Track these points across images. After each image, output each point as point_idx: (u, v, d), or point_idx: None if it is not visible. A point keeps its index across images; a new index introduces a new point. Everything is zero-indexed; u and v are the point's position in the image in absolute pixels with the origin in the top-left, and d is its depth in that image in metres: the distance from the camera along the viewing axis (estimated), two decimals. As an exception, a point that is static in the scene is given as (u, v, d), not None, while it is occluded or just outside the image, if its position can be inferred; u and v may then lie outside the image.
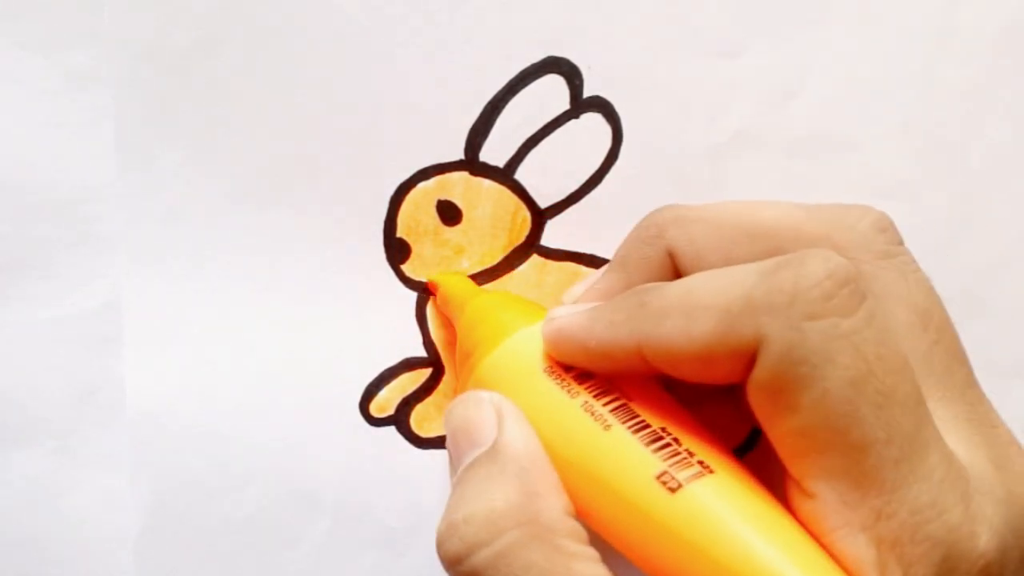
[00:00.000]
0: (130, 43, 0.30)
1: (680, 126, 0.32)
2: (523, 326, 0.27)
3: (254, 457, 0.32)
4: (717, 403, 0.26)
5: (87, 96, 0.30)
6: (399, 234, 0.32)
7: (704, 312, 0.21)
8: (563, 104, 0.31)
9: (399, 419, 0.33)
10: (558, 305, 0.27)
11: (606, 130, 0.32)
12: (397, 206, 0.32)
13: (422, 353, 0.33)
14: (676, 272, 0.26)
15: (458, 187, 0.32)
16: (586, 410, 0.24)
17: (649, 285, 0.24)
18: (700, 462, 0.23)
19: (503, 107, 0.31)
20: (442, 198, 0.32)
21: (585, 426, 0.24)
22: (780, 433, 0.21)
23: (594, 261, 0.32)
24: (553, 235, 0.32)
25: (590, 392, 0.25)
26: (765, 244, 0.24)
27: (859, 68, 0.32)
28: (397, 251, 0.32)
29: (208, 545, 0.33)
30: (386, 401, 0.33)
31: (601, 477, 0.23)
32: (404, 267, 0.32)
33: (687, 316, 0.22)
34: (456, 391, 0.29)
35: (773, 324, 0.20)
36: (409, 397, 0.33)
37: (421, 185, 0.32)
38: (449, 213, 0.32)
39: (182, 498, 0.32)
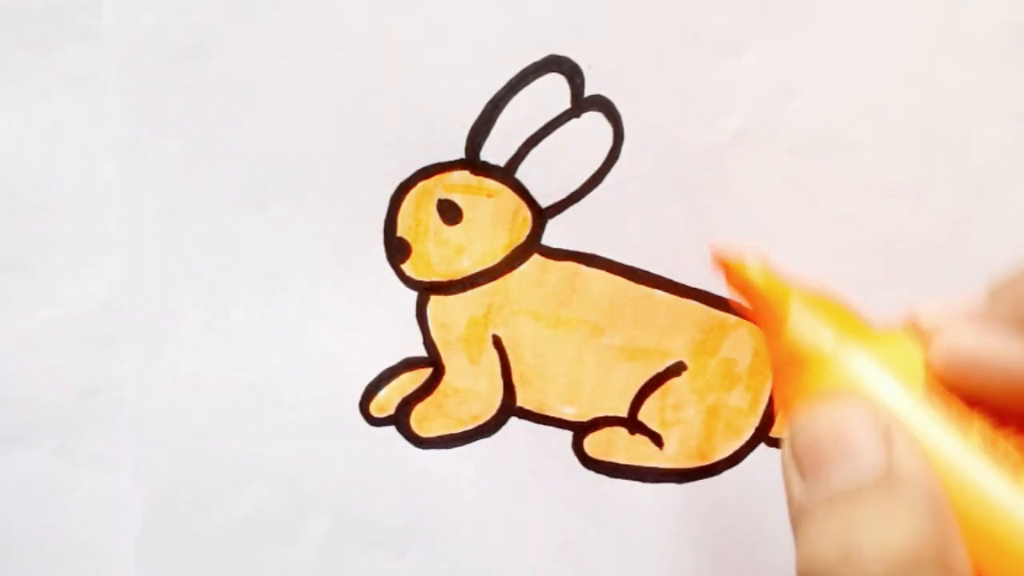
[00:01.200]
0: (130, 43, 0.30)
1: (681, 125, 0.31)
2: (883, 339, 0.24)
3: (254, 457, 0.32)
4: None
5: (87, 96, 0.30)
6: (399, 233, 0.32)
7: None
8: (564, 103, 0.31)
9: (399, 419, 0.33)
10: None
11: (607, 129, 0.32)
12: (397, 205, 0.32)
13: (422, 353, 0.33)
14: None
15: (459, 186, 0.32)
16: (985, 448, 0.21)
17: None
18: None
19: (504, 106, 0.31)
20: (443, 197, 0.32)
21: (985, 468, 0.21)
22: None
23: (595, 261, 0.32)
24: (554, 234, 0.32)
25: (986, 428, 0.21)
26: None
27: (859, 68, 0.32)
28: (397, 250, 0.32)
29: (208, 545, 0.33)
30: (386, 401, 0.33)
31: (1009, 533, 0.20)
32: (404, 267, 0.32)
33: None
34: (779, 404, 0.25)
35: None
36: (409, 397, 0.33)
37: (421, 184, 0.32)
38: (450, 212, 0.32)
39: (182, 498, 0.32)
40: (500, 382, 0.33)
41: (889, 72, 0.32)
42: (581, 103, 0.31)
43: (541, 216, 0.32)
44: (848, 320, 0.25)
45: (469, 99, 0.31)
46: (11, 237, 0.31)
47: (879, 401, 0.22)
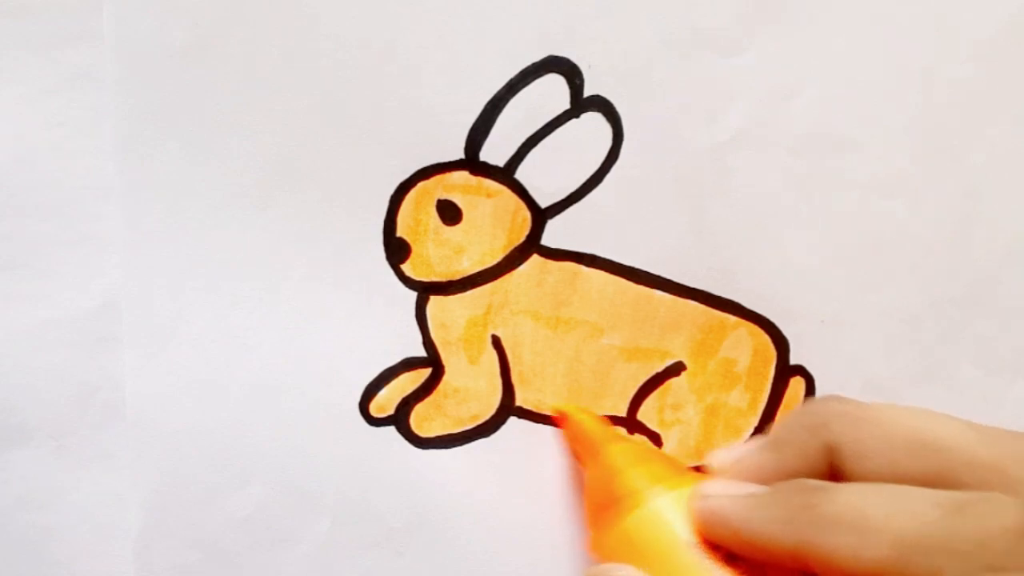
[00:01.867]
0: (129, 43, 0.30)
1: (681, 125, 0.31)
2: (668, 487, 0.27)
3: (254, 457, 0.32)
4: None
5: (87, 96, 0.30)
6: (399, 233, 0.32)
7: (877, 536, 0.21)
8: (564, 103, 0.31)
9: (399, 419, 0.33)
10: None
11: (607, 129, 0.32)
12: (397, 205, 0.32)
13: (422, 353, 0.33)
14: (832, 466, 0.25)
15: (458, 186, 0.32)
16: None
17: (812, 483, 0.24)
18: None
19: (503, 106, 0.31)
20: (442, 197, 0.32)
21: None
22: None
23: (595, 261, 0.32)
24: (553, 235, 0.32)
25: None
26: (935, 462, 0.24)
27: (859, 68, 0.32)
28: (397, 251, 0.32)
29: (208, 545, 0.33)
30: (386, 401, 0.33)
31: None
32: (404, 267, 0.32)
33: (859, 535, 0.22)
34: (592, 539, 0.29)
35: (952, 568, 0.21)
36: (409, 397, 0.33)
37: (421, 184, 0.32)
38: (449, 212, 0.32)
39: (182, 498, 0.32)
40: (499, 382, 0.33)
41: (889, 72, 0.32)
42: (581, 103, 0.31)
43: (541, 216, 0.32)
44: (659, 467, 0.28)
45: (469, 99, 0.31)
46: (11, 237, 0.31)
47: (640, 552, 0.25)
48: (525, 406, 0.33)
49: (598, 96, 0.31)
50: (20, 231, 0.31)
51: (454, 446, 0.33)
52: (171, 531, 0.33)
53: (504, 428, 0.33)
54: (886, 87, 0.32)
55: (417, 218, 0.32)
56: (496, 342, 0.33)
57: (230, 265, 0.32)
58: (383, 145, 0.31)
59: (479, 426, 0.33)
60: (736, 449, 0.27)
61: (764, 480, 0.25)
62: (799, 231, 0.32)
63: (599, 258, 0.32)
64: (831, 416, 0.26)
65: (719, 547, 0.25)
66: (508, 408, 0.33)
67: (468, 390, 0.33)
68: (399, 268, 0.32)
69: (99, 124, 0.30)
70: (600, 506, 0.28)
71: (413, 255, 0.32)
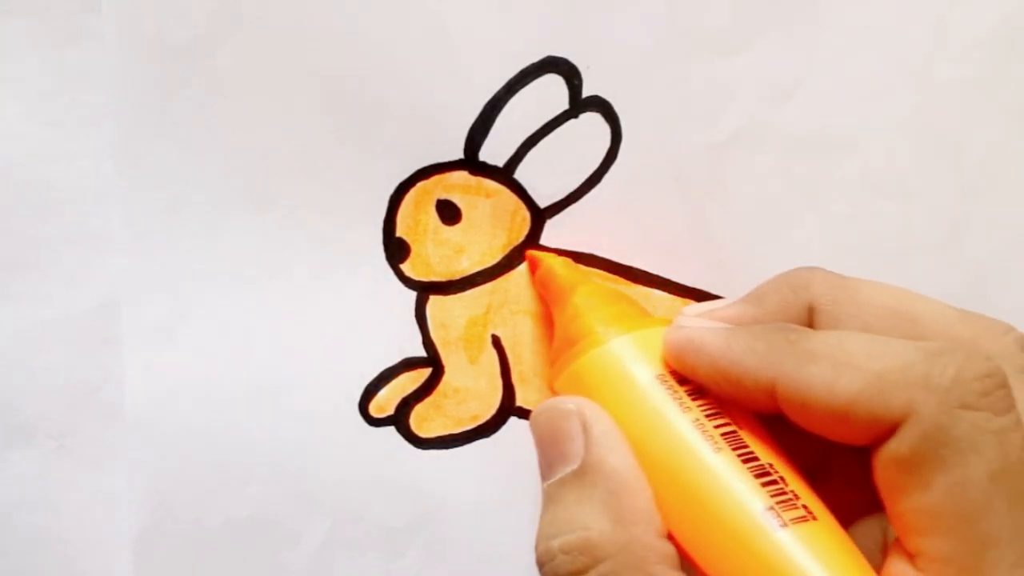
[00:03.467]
0: (129, 43, 0.30)
1: (679, 125, 0.32)
2: (638, 327, 0.26)
3: (254, 457, 0.32)
4: (822, 455, 0.26)
5: (86, 96, 0.30)
6: (398, 233, 0.32)
7: (854, 370, 0.22)
8: (562, 104, 0.31)
9: (398, 419, 0.33)
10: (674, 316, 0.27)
11: (605, 130, 0.32)
12: (396, 205, 0.32)
13: (421, 353, 0.33)
14: (809, 326, 0.25)
15: (457, 186, 0.32)
16: (697, 427, 0.24)
17: (794, 326, 0.24)
18: (804, 506, 0.22)
19: (502, 106, 0.31)
20: (441, 197, 0.32)
21: (694, 444, 0.23)
22: (904, 507, 0.21)
23: (594, 260, 0.32)
24: (552, 235, 0.32)
25: (703, 410, 0.24)
26: (911, 330, 0.24)
27: (859, 67, 0.32)
28: (396, 250, 0.32)
29: (207, 545, 0.33)
30: (385, 401, 0.33)
31: (704, 500, 0.23)
32: (403, 266, 0.32)
33: (835, 368, 0.22)
34: (550, 379, 0.28)
35: (927, 402, 0.21)
36: (408, 397, 0.33)
37: (420, 184, 0.32)
38: (448, 212, 0.32)
39: (182, 498, 0.32)
40: (499, 382, 0.33)
41: (887, 72, 0.32)
42: (579, 104, 0.31)
43: (540, 216, 0.32)
44: (626, 310, 0.28)
45: (468, 99, 0.31)
46: (11, 237, 0.31)
47: (612, 391, 0.25)
48: (525, 406, 0.33)
49: (597, 96, 0.31)
50: (20, 231, 0.31)
51: (454, 446, 0.33)
52: (171, 531, 0.33)
53: (504, 428, 0.33)
54: (885, 87, 0.32)
55: (416, 218, 0.32)
56: (496, 342, 0.33)
57: (230, 265, 0.32)
58: (383, 145, 0.31)
59: (479, 426, 0.33)
60: (712, 303, 0.27)
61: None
62: (798, 231, 0.32)
63: (598, 258, 0.32)
64: (815, 279, 0.26)
65: (683, 383, 0.25)
66: (508, 408, 0.33)
67: (468, 390, 0.33)
68: (399, 268, 0.32)
69: (99, 124, 0.30)
70: (562, 346, 0.28)
71: (413, 255, 0.32)
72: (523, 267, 0.32)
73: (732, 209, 0.32)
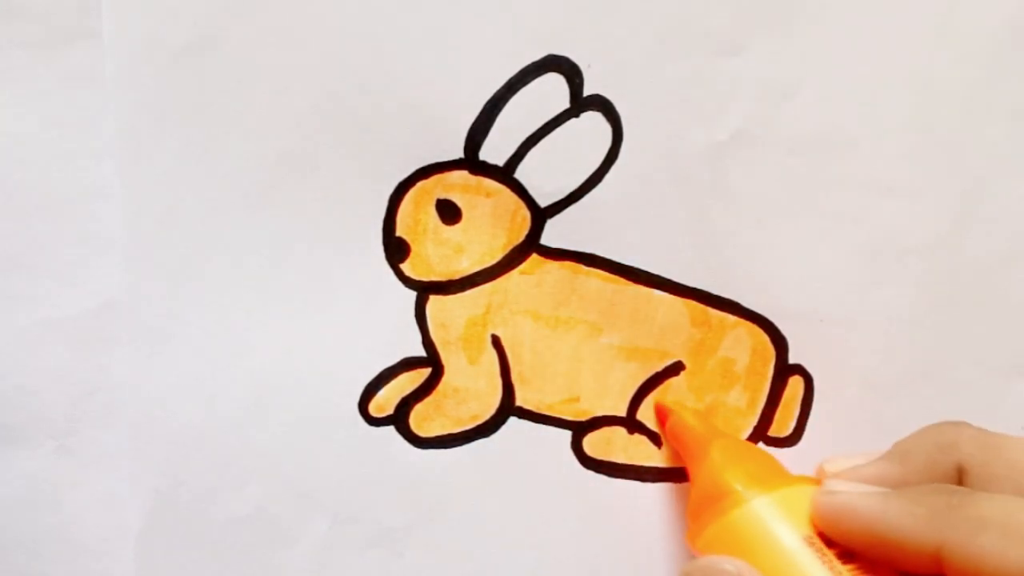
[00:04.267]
0: (128, 43, 0.30)
1: (680, 125, 0.31)
2: (781, 486, 0.26)
3: (254, 457, 0.32)
4: None
5: (86, 96, 0.30)
6: (398, 233, 0.32)
7: None
8: (563, 103, 0.31)
9: (398, 419, 0.33)
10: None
11: (606, 129, 0.32)
12: (396, 205, 0.32)
13: (421, 353, 0.33)
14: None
15: (458, 186, 0.32)
16: None
17: (952, 487, 0.24)
18: None
19: (503, 105, 0.31)
20: (442, 197, 0.32)
21: None
22: None
23: (594, 260, 0.32)
24: (553, 234, 0.32)
25: (853, 575, 0.24)
26: None
27: (859, 67, 0.32)
28: (396, 250, 0.32)
29: (207, 545, 0.33)
30: (385, 401, 0.33)
31: None
32: (403, 266, 0.32)
33: (1007, 537, 0.22)
34: (690, 535, 0.29)
35: None
36: (408, 397, 0.33)
37: (421, 184, 0.32)
38: (449, 212, 0.32)
39: (182, 498, 0.32)
40: (499, 382, 0.33)
41: (888, 72, 0.32)
42: (580, 103, 0.31)
43: (540, 216, 0.32)
44: (764, 468, 0.28)
45: (468, 99, 0.31)
46: (11, 237, 0.31)
47: (762, 552, 0.25)
48: (525, 406, 0.33)
49: (598, 95, 0.31)
50: (20, 231, 0.31)
51: (454, 446, 0.33)
52: (171, 531, 0.33)
53: (504, 428, 0.33)
54: (885, 87, 0.32)
55: (416, 217, 0.32)
56: (496, 342, 0.33)
57: (229, 265, 0.32)
58: (383, 144, 0.31)
59: (479, 426, 0.33)
60: (854, 457, 0.27)
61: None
62: (798, 231, 0.32)
63: (598, 257, 0.32)
64: (961, 437, 0.26)
65: (831, 545, 0.25)
66: (508, 408, 0.33)
67: (468, 390, 0.33)
68: (398, 268, 0.32)
69: (98, 124, 0.30)
70: (704, 502, 0.28)
71: (412, 255, 0.32)
72: (524, 267, 0.32)
73: (732, 209, 0.32)
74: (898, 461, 0.26)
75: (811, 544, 0.25)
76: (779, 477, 0.28)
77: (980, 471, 0.25)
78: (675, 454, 0.33)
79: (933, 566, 0.23)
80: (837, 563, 0.24)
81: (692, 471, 0.30)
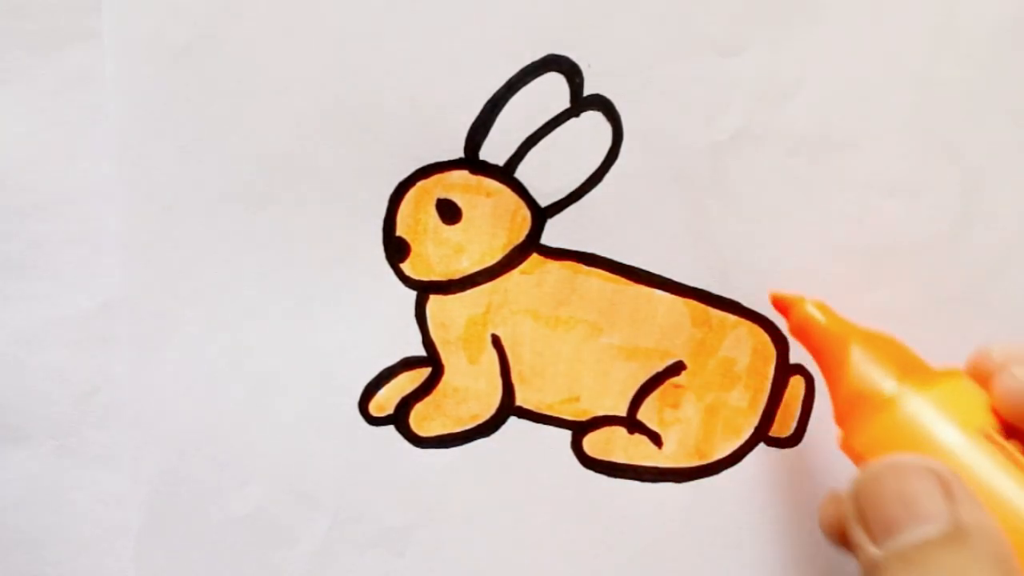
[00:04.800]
0: (128, 43, 0.30)
1: (680, 124, 0.31)
2: (938, 382, 0.25)
3: (254, 457, 0.32)
4: None
5: (86, 96, 0.30)
6: (398, 232, 0.32)
7: None
8: (563, 102, 0.31)
9: (398, 418, 0.33)
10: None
11: (606, 128, 0.32)
12: (396, 204, 0.32)
13: (421, 352, 0.33)
14: None
15: (458, 186, 0.32)
16: None
17: None
18: None
19: (503, 105, 0.31)
20: (442, 196, 0.32)
21: None
22: None
23: (594, 260, 0.32)
24: (553, 234, 0.32)
25: None
26: None
27: (859, 67, 0.32)
28: (396, 250, 0.32)
29: (208, 544, 0.33)
30: (385, 400, 0.33)
31: None
32: (403, 266, 0.32)
33: None
34: (844, 436, 0.27)
35: None
36: (408, 396, 0.33)
37: (421, 183, 0.32)
38: (449, 211, 0.32)
39: (182, 497, 0.32)
40: (499, 381, 0.33)
41: (887, 72, 0.32)
42: (580, 102, 0.31)
43: (540, 215, 0.32)
44: (907, 361, 0.27)
45: (468, 98, 0.31)
46: (11, 237, 0.31)
47: (940, 448, 0.23)
48: (525, 406, 0.33)
49: (598, 95, 0.31)
50: (20, 231, 0.31)
51: (454, 446, 0.33)
52: (171, 531, 0.33)
53: (504, 428, 0.33)
54: (885, 87, 0.32)
55: (416, 217, 0.32)
56: (496, 341, 0.33)
57: (229, 265, 0.32)
58: (383, 144, 0.31)
59: (479, 426, 0.33)
60: (1005, 345, 0.26)
61: None
62: (798, 230, 0.32)
63: (598, 257, 0.32)
64: None
65: (1013, 436, 0.23)
66: (508, 408, 0.33)
67: (468, 390, 0.33)
68: (398, 267, 0.32)
69: (98, 124, 0.30)
70: (854, 403, 0.26)
71: (412, 254, 0.32)
72: (523, 267, 0.32)
73: (732, 209, 0.32)
74: None
75: (989, 438, 0.23)
76: (929, 371, 0.26)
77: None
78: (680, 451, 0.33)
79: None
80: (1019, 455, 0.23)
81: (831, 371, 0.28)
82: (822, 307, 0.29)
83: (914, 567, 0.22)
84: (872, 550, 0.23)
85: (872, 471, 0.24)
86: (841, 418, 0.27)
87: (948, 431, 0.24)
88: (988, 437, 0.24)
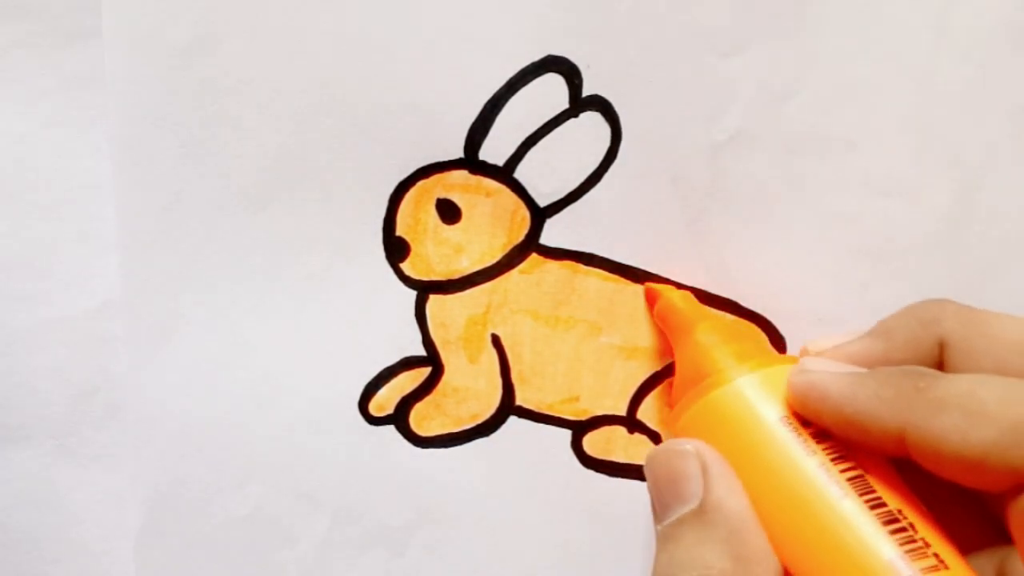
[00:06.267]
0: (128, 43, 0.30)
1: (679, 125, 0.32)
2: (763, 366, 0.26)
3: (254, 457, 0.32)
4: (952, 501, 0.25)
5: (85, 95, 0.30)
6: (398, 232, 0.32)
7: (987, 420, 0.21)
8: (562, 103, 0.31)
9: (398, 418, 0.33)
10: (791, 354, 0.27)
11: (605, 129, 0.32)
12: (396, 204, 0.32)
13: (421, 352, 0.33)
14: (940, 365, 0.25)
15: (457, 186, 0.32)
16: (822, 471, 0.23)
17: (922, 369, 0.23)
18: (936, 555, 0.22)
19: (503, 106, 0.31)
20: (441, 196, 0.32)
21: (819, 488, 0.23)
22: None
23: (593, 260, 0.32)
24: (552, 234, 0.32)
25: (828, 454, 0.24)
26: None
27: (859, 68, 0.32)
28: (396, 250, 0.32)
29: (208, 544, 0.33)
30: (385, 400, 0.33)
31: (829, 546, 0.23)
32: (403, 266, 0.32)
33: (967, 417, 0.21)
34: (672, 415, 0.28)
35: None
36: (408, 396, 0.33)
37: (420, 183, 0.32)
38: (448, 212, 0.32)
39: (182, 497, 0.32)
40: (499, 381, 0.33)
41: (887, 72, 0.32)
42: (579, 103, 0.31)
43: (539, 215, 0.32)
44: (752, 348, 0.28)
45: (468, 99, 0.31)
46: (11, 237, 0.31)
47: (736, 430, 0.25)
48: (525, 405, 0.33)
49: (597, 96, 0.31)
50: (20, 231, 0.31)
51: (454, 445, 0.33)
52: (171, 531, 0.33)
53: (504, 427, 0.33)
54: (884, 87, 0.32)
55: (416, 217, 0.32)
56: (496, 341, 0.33)
57: (229, 265, 0.32)
58: (382, 144, 0.31)
59: (479, 425, 0.33)
60: (837, 336, 0.27)
61: (867, 367, 0.25)
62: (797, 231, 0.32)
63: (597, 257, 0.32)
64: (944, 312, 0.25)
65: (807, 425, 0.24)
66: (508, 407, 0.33)
67: (468, 389, 0.33)
68: (398, 267, 0.32)
69: (98, 124, 0.30)
70: (685, 385, 0.28)
71: (412, 254, 0.32)
72: (523, 267, 0.32)
73: (732, 209, 0.32)
74: (881, 338, 0.26)
75: (787, 423, 0.24)
76: (761, 357, 0.27)
77: (961, 345, 0.25)
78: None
79: (899, 448, 0.23)
80: (812, 442, 0.24)
81: (676, 352, 0.30)
82: (685, 296, 0.31)
83: (669, 543, 0.24)
84: (656, 527, 0.25)
85: (652, 454, 0.26)
86: (674, 400, 0.29)
87: (751, 415, 0.25)
88: (788, 422, 0.25)
